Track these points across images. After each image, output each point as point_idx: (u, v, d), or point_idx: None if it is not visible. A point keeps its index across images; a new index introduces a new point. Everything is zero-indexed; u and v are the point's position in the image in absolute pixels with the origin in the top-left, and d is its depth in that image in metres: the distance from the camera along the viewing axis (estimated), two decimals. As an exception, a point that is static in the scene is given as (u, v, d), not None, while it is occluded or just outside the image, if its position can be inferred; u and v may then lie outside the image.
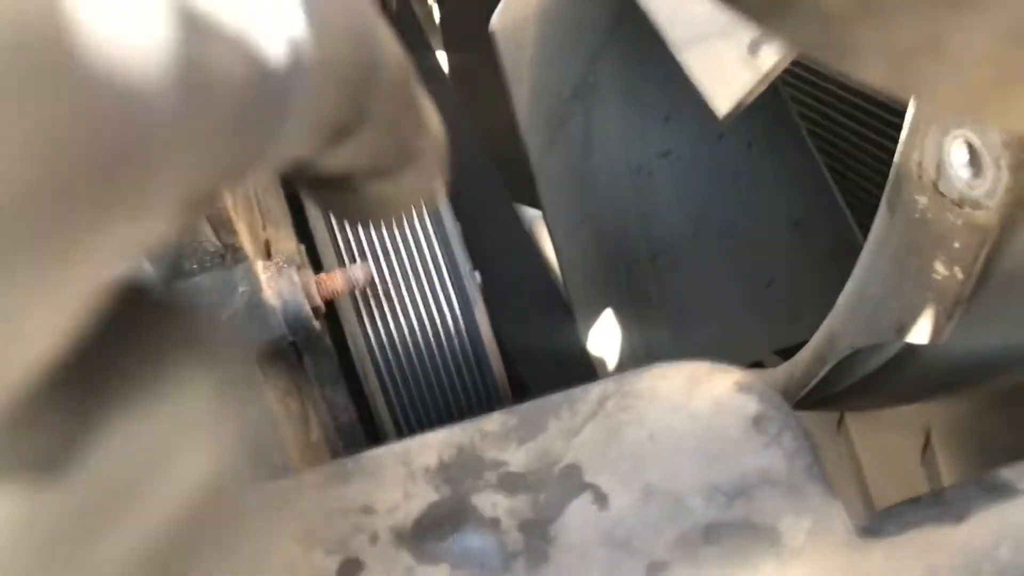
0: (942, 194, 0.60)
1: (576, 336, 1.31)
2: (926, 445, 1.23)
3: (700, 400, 0.67)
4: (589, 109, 1.24)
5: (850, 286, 0.77)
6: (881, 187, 0.70)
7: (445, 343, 0.88)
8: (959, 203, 0.59)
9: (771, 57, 0.62)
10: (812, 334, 1.00)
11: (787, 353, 1.14)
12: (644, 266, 1.24)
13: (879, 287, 0.71)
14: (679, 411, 0.67)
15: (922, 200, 0.62)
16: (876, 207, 0.76)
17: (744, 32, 0.64)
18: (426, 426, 0.91)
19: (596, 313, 1.34)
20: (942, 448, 1.20)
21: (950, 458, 1.20)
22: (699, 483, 0.63)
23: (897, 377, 0.89)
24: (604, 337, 1.34)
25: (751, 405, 0.67)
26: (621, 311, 1.31)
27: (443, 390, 0.89)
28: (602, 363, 1.35)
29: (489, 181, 1.22)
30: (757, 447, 0.64)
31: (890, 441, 1.26)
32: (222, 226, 0.70)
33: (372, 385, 0.86)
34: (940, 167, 0.59)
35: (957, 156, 0.58)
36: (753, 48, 0.63)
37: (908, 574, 0.62)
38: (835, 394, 0.98)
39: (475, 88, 1.45)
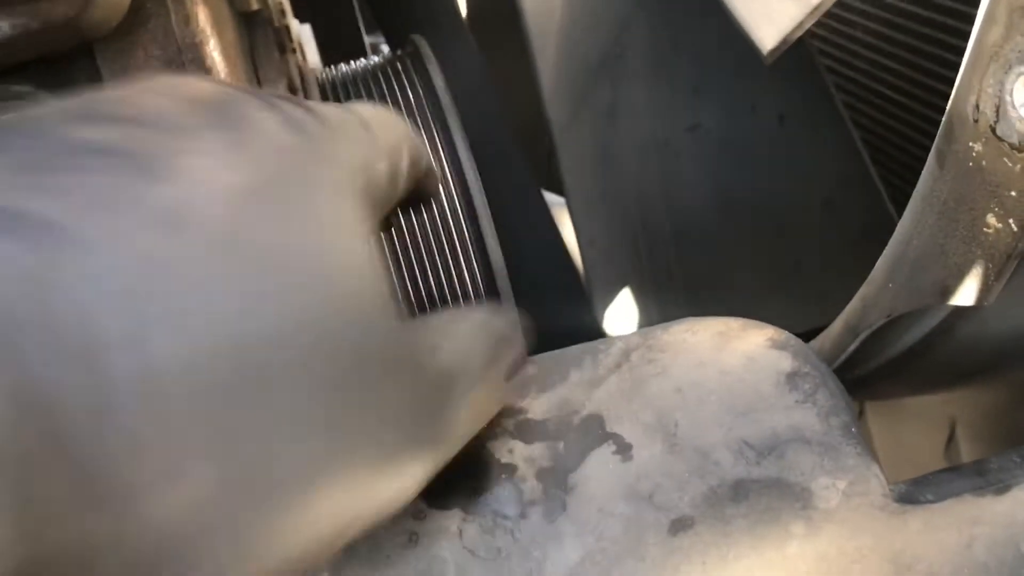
0: (1000, 138, 0.56)
1: (592, 318, 1.28)
2: (950, 438, 1.19)
3: (731, 355, 0.64)
4: (616, 79, 1.21)
5: (889, 249, 0.74)
6: (920, 162, 0.67)
7: (463, 303, 0.84)
8: (1019, 147, 0.55)
9: (822, -10, 0.59)
10: (840, 317, 0.95)
11: (808, 337, 1.10)
12: (666, 245, 1.21)
13: (922, 246, 0.68)
14: (708, 365, 0.63)
15: (977, 147, 0.59)
16: (914, 184, 0.72)
17: (793, -35, 0.61)
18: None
19: (614, 293, 1.30)
20: (967, 441, 1.16)
21: (976, 452, 1.16)
22: (728, 438, 0.59)
23: (931, 357, 0.85)
24: (622, 319, 1.31)
25: (784, 361, 0.63)
26: (641, 292, 1.27)
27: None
28: (618, 344, 1.31)
29: (509, 155, 1.19)
30: (790, 404, 0.61)
31: (912, 433, 1.22)
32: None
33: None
34: (1000, 108, 0.56)
35: (1019, 94, 0.54)
36: (803, -19, 0.60)
37: (945, 544, 0.58)
38: (862, 377, 0.95)
39: (495, 64, 1.42)
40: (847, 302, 0.93)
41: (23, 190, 0.31)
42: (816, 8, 0.59)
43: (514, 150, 1.20)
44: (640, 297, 1.27)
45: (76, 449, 0.28)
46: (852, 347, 0.79)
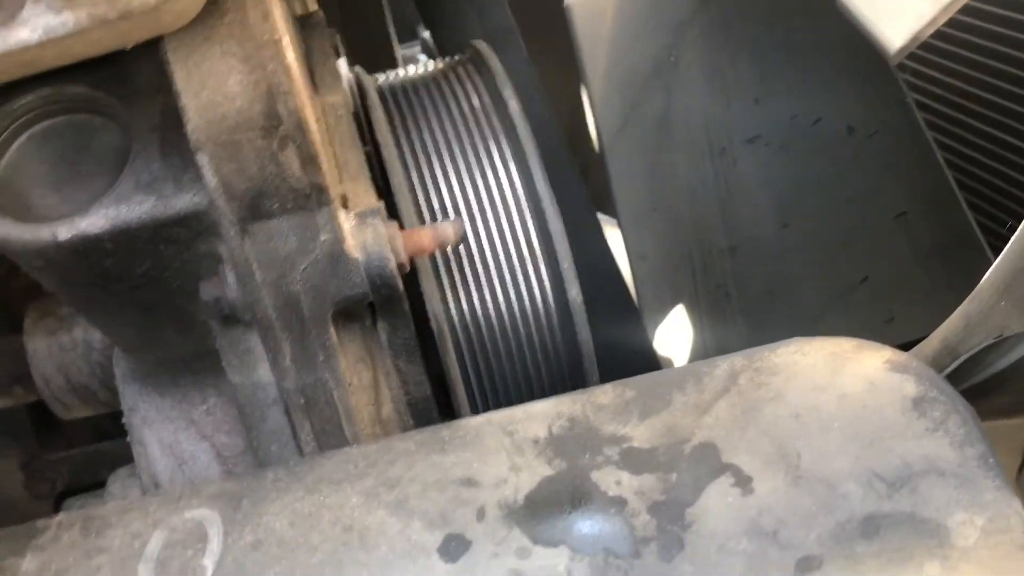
0: None
1: (642, 333, 1.23)
2: (1023, 465, 1.14)
3: (848, 378, 0.59)
4: (670, 88, 1.17)
5: (1000, 264, 0.69)
6: (1012, 167, 0.62)
7: (532, 319, 0.80)
8: None
9: (957, -17, 0.55)
10: (908, 337, 0.91)
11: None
12: (722, 258, 1.16)
13: (1047, 261, 0.63)
14: (824, 390, 0.58)
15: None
16: (1000, 193, 0.67)
17: (921, -42, 0.57)
18: (506, 408, 0.83)
19: (665, 308, 1.25)
20: (1042, 468, 1.11)
21: (1051, 478, 1.11)
22: (855, 469, 0.54)
23: (1020, 382, 0.80)
24: (673, 335, 1.26)
25: (909, 386, 0.58)
26: (694, 308, 1.23)
27: (527, 372, 0.81)
28: (669, 363, 1.27)
29: (561, 164, 1.14)
30: (920, 432, 0.56)
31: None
32: (310, 161, 0.63)
33: (450, 359, 0.78)
34: None
35: None
36: (934, -26, 0.56)
37: (1091, 586, 0.53)
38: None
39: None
40: (915, 321, 0.88)
41: None
42: (950, 4, 0.55)
43: (566, 159, 1.15)
44: (694, 314, 1.22)
45: None
46: (951, 367, 0.74)
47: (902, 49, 0.56)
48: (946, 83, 0.98)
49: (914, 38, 0.55)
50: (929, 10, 0.55)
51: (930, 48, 1.02)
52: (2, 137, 0.66)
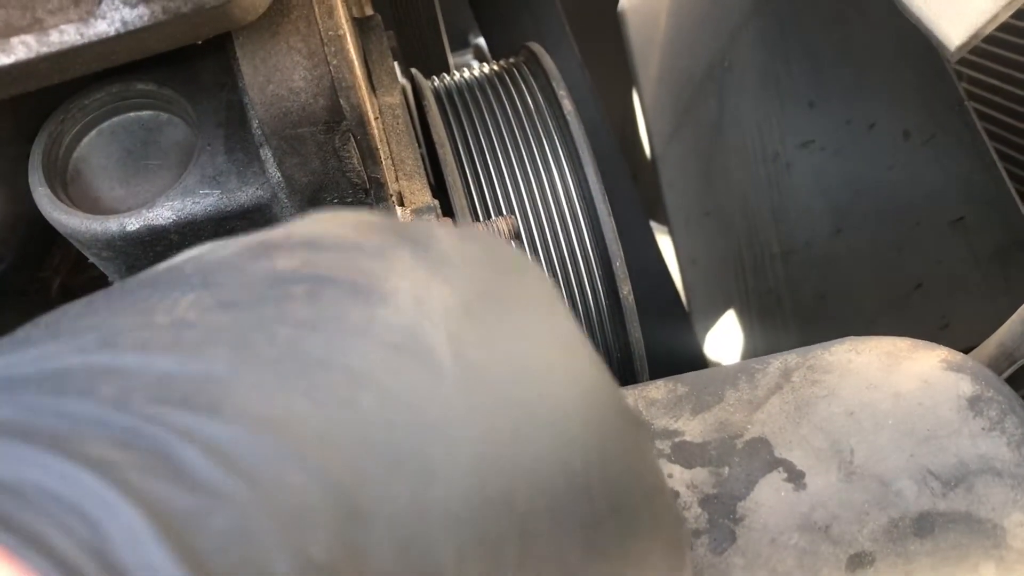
0: None
1: (692, 339, 1.23)
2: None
3: (903, 377, 0.59)
4: (723, 92, 1.17)
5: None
6: None
7: (583, 317, 0.80)
8: None
9: (1018, -19, 0.54)
10: (963, 344, 0.90)
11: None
12: (773, 263, 1.16)
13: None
14: (879, 388, 0.58)
15: None
16: None
17: (982, -45, 0.56)
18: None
19: (716, 313, 1.25)
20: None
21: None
22: (909, 467, 0.54)
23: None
24: (723, 341, 1.25)
25: (964, 385, 0.58)
26: (743, 312, 1.22)
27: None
28: (719, 368, 1.26)
29: (613, 167, 1.15)
30: (976, 431, 0.56)
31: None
32: (370, 155, 0.64)
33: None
34: None
35: None
36: (995, -28, 0.55)
37: None
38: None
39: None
40: (971, 327, 0.87)
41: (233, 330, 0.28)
42: (1012, 0, 0.55)
43: (618, 163, 1.16)
44: (744, 319, 1.21)
45: None
46: (1008, 373, 0.73)
47: (961, 46, 0.55)
48: (1005, 91, 0.97)
49: (974, 35, 0.55)
50: (990, 6, 0.55)
51: (989, 55, 1.01)
52: (74, 132, 0.69)
